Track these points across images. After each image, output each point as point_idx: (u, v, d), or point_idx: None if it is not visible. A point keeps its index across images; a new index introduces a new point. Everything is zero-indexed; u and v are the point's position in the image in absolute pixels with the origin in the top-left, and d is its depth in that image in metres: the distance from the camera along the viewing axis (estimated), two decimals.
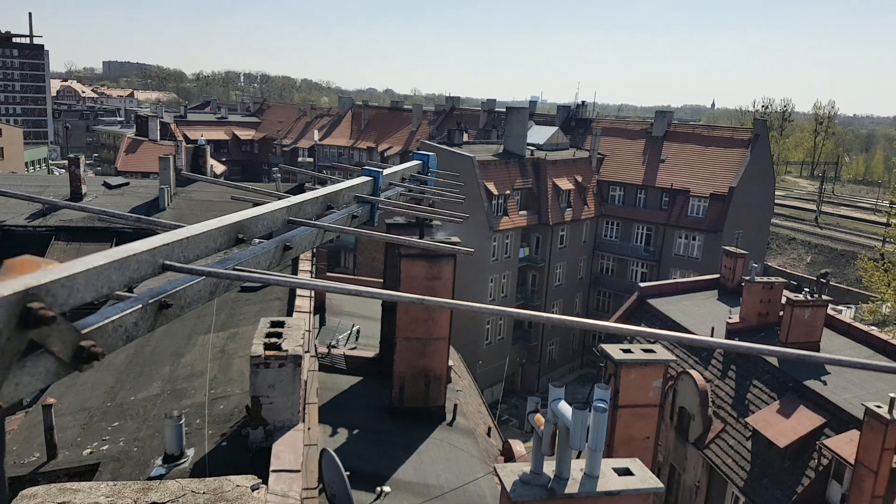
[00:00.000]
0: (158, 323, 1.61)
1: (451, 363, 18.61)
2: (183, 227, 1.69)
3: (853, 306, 36.45)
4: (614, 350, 11.00)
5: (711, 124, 74.76)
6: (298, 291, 16.34)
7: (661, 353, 11.37)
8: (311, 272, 19.00)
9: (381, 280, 23.88)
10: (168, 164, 26.88)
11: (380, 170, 2.51)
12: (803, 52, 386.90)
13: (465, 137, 53.45)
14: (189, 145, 34.63)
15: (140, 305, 1.51)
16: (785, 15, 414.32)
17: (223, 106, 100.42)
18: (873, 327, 26.40)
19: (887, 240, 37.31)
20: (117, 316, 1.47)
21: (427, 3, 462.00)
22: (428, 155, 2.78)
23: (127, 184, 29.79)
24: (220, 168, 55.85)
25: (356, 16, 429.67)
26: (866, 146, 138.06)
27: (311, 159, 68.97)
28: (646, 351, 11.34)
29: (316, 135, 76.01)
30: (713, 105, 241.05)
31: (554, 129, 53.22)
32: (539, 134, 51.14)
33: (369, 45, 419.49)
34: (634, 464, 6.53)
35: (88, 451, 9.32)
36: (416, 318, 17.37)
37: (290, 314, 15.43)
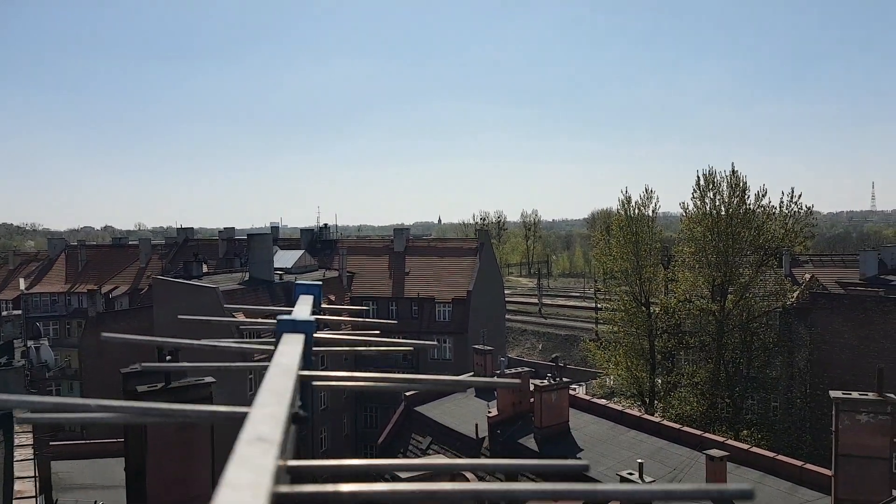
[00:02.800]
0: None
1: None
2: None
3: (584, 383, 41.38)
4: None
5: (442, 237, 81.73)
6: (17, 472, 13.51)
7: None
8: (32, 446, 15.84)
9: (122, 439, 20.86)
10: None
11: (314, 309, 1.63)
12: (506, 170, 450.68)
13: (205, 269, 50.85)
14: None
15: None
16: (481, 141, 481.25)
17: None
18: (602, 399, 30.02)
19: (599, 321, 43.56)
20: None
21: (143, 135, 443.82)
22: (317, 285, 2.04)
23: None
24: None
25: (61, 150, 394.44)
26: (567, 245, 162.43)
27: (18, 312, 59.27)
28: None
29: (22, 283, 65.90)
30: (440, 220, 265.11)
31: (300, 252, 53.47)
32: (286, 258, 50.88)
33: (81, 182, 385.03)
34: None
35: None
36: (171, 482, 15.35)
37: (8, 502, 12.61)
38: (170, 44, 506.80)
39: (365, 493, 0.75)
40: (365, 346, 1.81)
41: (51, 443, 21.92)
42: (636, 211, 37.69)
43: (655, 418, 25.31)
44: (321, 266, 53.57)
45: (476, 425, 23.18)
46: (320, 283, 2.06)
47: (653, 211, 38.05)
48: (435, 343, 2.30)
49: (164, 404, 0.93)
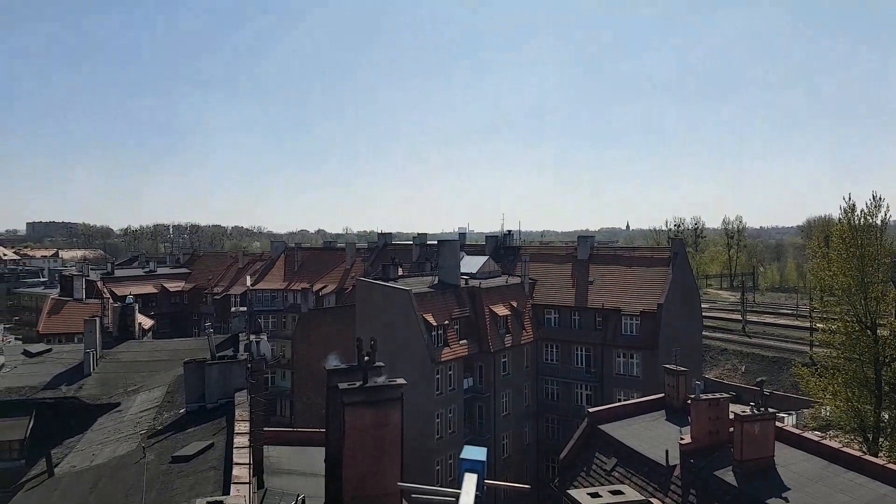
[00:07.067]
0: None
1: None
2: None
3: (794, 413, 37.16)
4: (582, 496, 10.51)
5: (630, 245, 78.55)
6: (236, 458, 15.14)
7: (630, 493, 10.96)
8: (248, 434, 17.75)
9: (324, 430, 22.68)
10: (94, 327, 25.69)
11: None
12: (707, 172, 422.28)
13: (400, 272, 53.98)
14: (116, 304, 33.40)
15: None
16: (682, 139, 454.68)
17: (152, 259, 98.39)
18: (816, 432, 26.75)
19: (814, 344, 38.84)
20: None
21: (354, 147, 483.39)
22: (481, 461, 2.04)
23: (49, 350, 28.10)
24: (147, 322, 53.69)
25: (283, 160, 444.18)
26: (777, 255, 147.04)
27: (244, 308, 67.41)
28: (613, 493, 10.90)
29: (248, 280, 75.10)
30: (628, 227, 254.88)
31: (485, 258, 54.65)
32: (471, 263, 52.32)
33: (299, 188, 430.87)
34: None
35: None
36: (364, 474, 16.29)
37: (226, 485, 14.22)
38: (382, 56, 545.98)
39: None
40: None
41: (264, 429, 24.57)
42: (861, 220, 33.12)
43: (880, 460, 22.05)
44: (504, 272, 54.30)
45: (666, 451, 21.87)
46: (483, 460, 2.12)
47: (882, 220, 33.16)
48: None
49: None
